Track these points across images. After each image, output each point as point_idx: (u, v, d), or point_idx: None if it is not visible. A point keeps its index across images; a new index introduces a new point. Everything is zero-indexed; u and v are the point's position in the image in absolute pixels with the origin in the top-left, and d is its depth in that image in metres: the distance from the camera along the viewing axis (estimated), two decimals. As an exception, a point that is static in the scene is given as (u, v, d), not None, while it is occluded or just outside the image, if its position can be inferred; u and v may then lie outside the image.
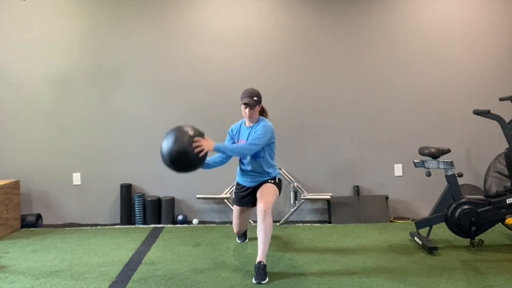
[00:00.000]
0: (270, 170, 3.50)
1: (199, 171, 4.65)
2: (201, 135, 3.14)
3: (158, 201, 4.68)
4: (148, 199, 4.67)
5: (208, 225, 4.57)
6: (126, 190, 4.69)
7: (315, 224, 4.52)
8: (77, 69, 4.75)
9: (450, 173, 3.65)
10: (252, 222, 4.27)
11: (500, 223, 3.70)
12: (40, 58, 4.73)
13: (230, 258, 3.51)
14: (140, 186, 4.79)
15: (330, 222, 4.58)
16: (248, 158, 3.45)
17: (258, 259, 3.08)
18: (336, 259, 3.41)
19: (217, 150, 3.20)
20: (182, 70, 4.76)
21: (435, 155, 3.64)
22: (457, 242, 3.71)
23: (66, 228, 4.53)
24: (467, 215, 3.55)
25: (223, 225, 4.53)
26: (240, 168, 3.60)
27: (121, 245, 3.90)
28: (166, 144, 3.08)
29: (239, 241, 3.93)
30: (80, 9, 4.73)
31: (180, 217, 4.68)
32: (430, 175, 3.65)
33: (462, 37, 4.71)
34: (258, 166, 3.46)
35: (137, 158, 4.78)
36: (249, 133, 3.43)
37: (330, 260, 3.39)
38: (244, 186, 3.61)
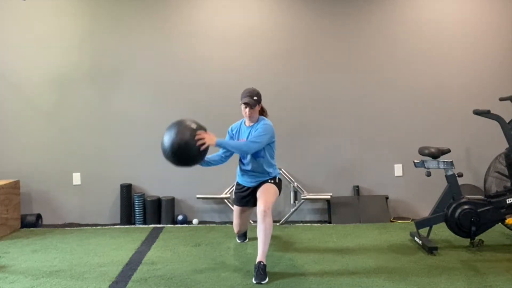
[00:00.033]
0: (270, 170, 3.50)
1: (199, 171, 4.68)
2: (203, 129, 3.15)
3: (158, 201, 4.68)
4: (148, 199, 4.67)
5: (208, 225, 4.57)
6: (126, 190, 4.69)
7: (315, 224, 4.52)
8: (77, 69, 4.75)
9: (450, 173, 3.65)
10: (252, 222, 4.27)
11: (500, 223, 3.70)
12: (40, 58, 4.73)
13: (230, 258, 3.51)
14: (140, 186, 4.79)
15: (330, 222, 4.58)
16: (249, 157, 3.45)
17: (258, 259, 3.08)
18: (336, 259, 3.41)
19: (218, 145, 3.20)
20: (182, 70, 4.76)
21: (435, 155, 3.64)
22: (457, 242, 3.71)
23: (66, 228, 4.53)
24: (467, 215, 3.55)
25: (223, 225, 4.53)
26: (240, 168, 3.60)
27: (121, 245, 3.90)
28: (169, 135, 3.07)
29: (239, 241, 3.93)
30: (80, 9, 4.73)
31: (180, 217, 4.68)
32: (430, 175, 3.65)
33: (462, 37, 4.71)
34: (259, 166, 3.46)
35: (137, 158, 4.78)
36: (249, 133, 3.43)
37: (330, 260, 3.39)
38: (244, 186, 3.61)
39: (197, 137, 3.06)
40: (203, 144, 3.07)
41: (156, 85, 4.77)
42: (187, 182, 4.76)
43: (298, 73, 4.75)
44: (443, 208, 3.63)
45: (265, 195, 3.29)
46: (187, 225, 4.59)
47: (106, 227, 4.57)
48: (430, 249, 3.47)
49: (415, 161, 3.75)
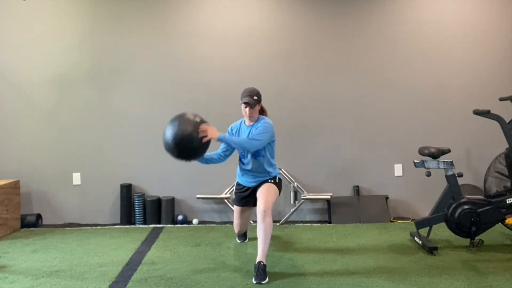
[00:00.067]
0: (270, 170, 3.50)
1: (199, 171, 4.69)
2: (206, 123, 3.16)
3: (158, 201, 4.68)
4: (148, 199, 4.67)
5: (208, 225, 4.57)
6: (126, 190, 4.69)
7: (315, 224, 4.52)
8: (77, 69, 4.75)
9: (450, 173, 3.65)
10: (252, 222, 4.27)
11: (500, 223, 3.70)
12: (40, 58, 4.73)
13: (230, 258, 3.51)
14: (140, 186, 4.79)
15: (330, 222, 4.58)
16: (249, 156, 3.45)
17: (258, 259, 3.08)
18: (336, 259, 3.41)
19: (220, 140, 3.20)
20: (182, 70, 4.76)
21: (435, 155, 3.64)
22: (457, 242, 3.71)
23: (66, 228, 4.53)
24: (467, 215, 3.55)
25: (223, 225, 4.53)
26: (240, 168, 3.60)
27: (121, 245, 3.90)
28: (172, 127, 3.07)
29: (239, 241, 3.93)
30: (80, 9, 4.73)
31: (180, 217, 4.68)
32: (430, 175, 3.65)
33: (462, 37, 4.71)
34: (259, 165, 3.46)
35: (137, 158, 4.78)
36: (249, 132, 3.43)
37: (330, 260, 3.39)
38: (244, 186, 3.61)
39: (200, 129, 3.06)
40: (206, 136, 3.07)
41: (156, 85, 4.77)
42: (187, 182, 4.76)
43: (298, 73, 4.75)
44: (443, 208, 3.63)
45: (265, 195, 3.29)
46: (187, 225, 4.59)
47: (106, 227, 4.57)
48: (430, 249, 3.47)
49: (415, 161, 3.75)
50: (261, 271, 3.02)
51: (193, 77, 4.76)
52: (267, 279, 3.02)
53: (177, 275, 3.17)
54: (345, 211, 4.58)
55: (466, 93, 4.71)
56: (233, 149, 3.58)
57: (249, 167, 3.49)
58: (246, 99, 3.36)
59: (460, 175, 3.67)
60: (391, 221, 4.52)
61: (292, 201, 4.66)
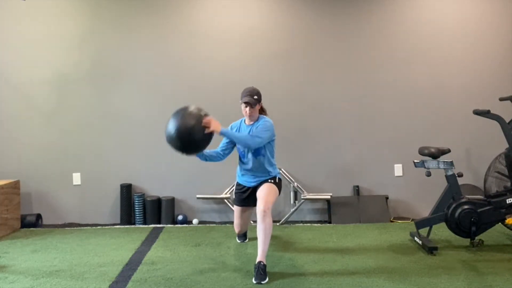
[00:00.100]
0: (270, 169, 3.50)
1: (199, 171, 4.70)
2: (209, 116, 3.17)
3: (158, 201, 4.68)
4: (148, 199, 4.67)
5: (208, 225, 4.57)
6: (126, 190, 4.69)
7: (315, 224, 4.52)
8: (77, 69, 4.75)
9: (450, 173, 3.65)
10: (252, 222, 4.27)
11: (500, 223, 3.70)
12: (40, 58, 4.73)
13: (230, 258, 3.51)
14: (140, 186, 4.80)
15: (330, 222, 4.58)
16: (249, 156, 3.46)
17: (258, 259, 3.08)
18: (336, 259, 3.41)
19: (223, 133, 3.20)
20: (182, 70, 4.76)
21: (435, 155, 3.64)
22: (457, 242, 3.71)
23: (66, 228, 4.53)
24: (467, 215, 3.55)
25: (223, 225, 4.53)
26: (241, 167, 3.60)
27: (121, 245, 3.90)
28: (175, 119, 3.07)
29: (239, 241, 3.93)
30: (80, 9, 4.73)
31: (180, 217, 4.68)
32: (430, 175, 3.65)
33: (462, 37, 4.71)
34: (259, 164, 3.46)
35: (137, 158, 4.78)
36: (249, 131, 3.44)
37: (330, 260, 3.39)
38: (244, 186, 3.61)
39: (204, 121, 3.06)
40: (209, 128, 3.06)
41: (156, 85, 4.77)
42: (187, 182, 4.76)
43: (298, 73, 4.75)
44: (443, 208, 3.63)
45: (265, 195, 3.29)
46: (187, 225, 4.59)
47: (106, 227, 4.57)
48: (430, 249, 3.47)
49: (415, 161, 3.75)
50: (261, 271, 3.02)
51: (193, 77, 4.76)
52: (267, 279, 3.02)
53: (177, 275, 3.17)
54: (345, 211, 4.58)
55: (466, 93, 4.71)
56: (232, 148, 3.58)
57: (249, 166, 3.49)
58: (247, 99, 3.36)
59: (460, 175, 3.67)
60: (391, 221, 4.52)
61: (292, 201, 4.66)
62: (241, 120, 3.58)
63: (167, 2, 4.73)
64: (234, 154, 3.63)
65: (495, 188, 3.93)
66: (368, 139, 4.75)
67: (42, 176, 4.76)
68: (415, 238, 3.73)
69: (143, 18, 4.73)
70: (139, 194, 4.69)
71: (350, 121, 4.75)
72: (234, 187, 3.80)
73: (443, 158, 3.68)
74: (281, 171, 4.56)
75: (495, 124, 3.71)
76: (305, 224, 4.53)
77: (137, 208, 4.67)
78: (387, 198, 4.66)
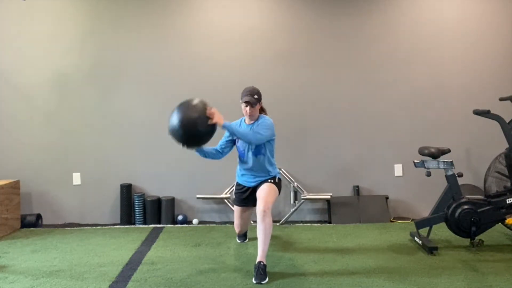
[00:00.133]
0: (270, 169, 3.50)
1: (199, 171, 4.70)
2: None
3: (158, 201, 4.68)
4: (148, 199, 4.67)
5: (208, 225, 4.57)
6: (126, 190, 4.69)
7: (315, 224, 4.52)
8: (77, 69, 4.75)
9: (450, 173, 3.65)
10: (252, 222, 4.27)
11: (500, 223, 3.70)
12: (40, 58, 4.73)
13: (230, 258, 3.51)
14: (140, 186, 4.80)
15: (330, 222, 4.58)
16: (249, 154, 3.45)
17: (258, 259, 3.08)
18: (336, 259, 3.41)
19: (225, 127, 3.18)
20: (182, 70, 4.76)
21: (435, 155, 3.64)
22: (457, 242, 3.71)
23: (66, 228, 4.53)
24: (467, 215, 3.55)
25: (223, 225, 4.53)
26: (240, 167, 3.60)
27: (121, 245, 3.90)
28: (179, 111, 3.08)
29: (239, 241, 3.93)
30: (80, 9, 4.73)
31: (180, 217, 4.68)
32: (430, 175, 3.65)
33: (462, 37, 4.71)
34: (259, 163, 3.46)
35: (137, 158, 4.78)
36: (250, 129, 3.44)
37: (330, 260, 3.39)
38: (244, 186, 3.61)
39: (208, 111, 3.07)
40: (212, 119, 3.07)
41: (156, 85, 4.77)
42: (187, 182, 4.76)
43: (298, 73, 4.75)
44: (443, 208, 3.63)
45: (265, 195, 3.29)
46: (187, 225, 4.59)
47: (106, 227, 4.57)
48: (430, 249, 3.47)
49: (415, 161, 3.75)
50: (261, 271, 3.02)
51: (193, 77, 4.76)
52: (267, 279, 3.02)
53: (177, 275, 3.17)
54: (345, 211, 4.58)
55: (466, 93, 4.71)
56: (231, 147, 3.58)
57: (249, 165, 3.48)
58: (247, 98, 3.36)
59: (460, 175, 3.67)
60: (391, 221, 4.52)
61: (292, 201, 4.66)
62: (241, 120, 3.58)
63: (167, 2, 4.73)
64: (234, 154, 3.63)
65: (495, 188, 3.93)
66: (368, 139, 4.75)
67: (42, 176, 4.76)
68: (415, 238, 3.73)
69: (143, 18, 4.73)
70: (139, 194, 4.69)
71: (350, 121, 4.76)
72: (234, 187, 3.80)
73: (443, 158, 3.68)
74: (281, 171, 4.56)
75: (495, 124, 3.71)
76: (305, 224, 4.53)
77: (137, 208, 4.67)
78: (387, 198, 4.66)
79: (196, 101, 3.13)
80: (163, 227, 4.48)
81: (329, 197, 4.57)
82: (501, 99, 3.87)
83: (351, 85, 4.74)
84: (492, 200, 3.61)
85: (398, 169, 4.75)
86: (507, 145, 3.71)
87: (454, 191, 3.64)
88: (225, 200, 4.69)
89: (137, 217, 4.67)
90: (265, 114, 3.59)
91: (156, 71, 4.76)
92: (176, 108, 3.13)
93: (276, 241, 3.88)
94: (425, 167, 3.69)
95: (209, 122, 3.07)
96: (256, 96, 3.39)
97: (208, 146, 3.40)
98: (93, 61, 4.75)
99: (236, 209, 3.75)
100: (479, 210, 3.56)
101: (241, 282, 3.01)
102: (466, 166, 4.68)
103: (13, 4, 4.70)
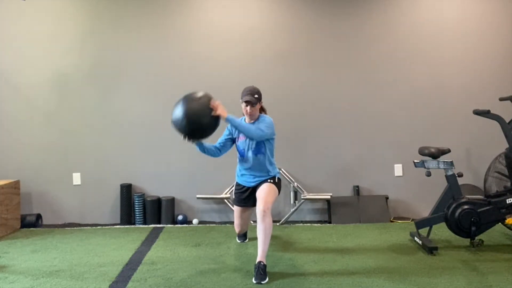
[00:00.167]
0: (270, 168, 3.50)
1: (199, 171, 4.70)
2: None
3: (158, 201, 4.68)
4: (148, 199, 4.67)
5: (208, 225, 4.57)
6: (126, 190, 4.69)
7: (315, 224, 4.52)
8: (77, 69, 4.75)
9: (450, 173, 3.65)
10: (252, 222, 4.27)
11: (500, 223, 3.70)
12: (40, 58, 4.73)
13: (230, 258, 3.51)
14: (140, 186, 4.80)
15: (330, 222, 4.58)
16: (250, 153, 3.45)
17: (258, 259, 3.08)
18: (336, 259, 3.41)
19: (228, 119, 3.18)
20: (182, 70, 4.76)
21: (435, 155, 3.64)
22: (457, 242, 3.71)
23: (66, 228, 4.53)
24: (467, 215, 3.55)
25: (223, 225, 4.53)
26: (240, 167, 3.60)
27: (121, 245, 3.90)
28: (183, 103, 3.09)
29: (239, 241, 3.93)
30: (80, 9, 4.73)
31: (180, 217, 4.68)
32: (430, 175, 3.65)
33: (462, 37, 4.71)
34: (259, 163, 3.46)
35: (137, 158, 4.78)
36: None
37: (330, 260, 3.39)
38: (244, 186, 3.61)
39: (212, 103, 3.09)
40: (216, 111, 3.08)
41: (156, 85, 4.77)
42: (187, 182, 4.76)
43: (298, 73, 4.75)
44: (443, 208, 3.63)
45: (265, 195, 3.29)
46: (187, 225, 4.59)
47: (106, 227, 4.57)
48: (430, 249, 3.47)
49: (415, 161, 3.75)
50: (261, 271, 3.02)
51: (193, 77, 4.76)
52: (267, 279, 3.02)
53: (177, 275, 3.17)
54: (345, 211, 4.58)
55: (466, 93, 4.71)
56: (230, 146, 3.58)
57: (249, 164, 3.48)
58: (248, 98, 3.37)
59: (460, 175, 3.67)
60: (391, 221, 4.52)
61: (292, 201, 4.66)
62: (241, 119, 3.58)
63: (167, 2, 4.73)
64: (234, 154, 3.63)
65: (495, 188, 3.93)
66: (368, 139, 4.75)
67: (42, 176, 4.76)
68: (415, 238, 3.73)
69: (143, 18, 4.73)
70: (139, 194, 4.69)
71: (350, 121, 4.75)
72: (233, 187, 3.80)
73: (443, 158, 3.68)
74: (281, 171, 4.56)
75: (495, 124, 3.71)
76: (305, 224, 4.53)
77: (137, 208, 4.67)
78: (387, 198, 4.66)
79: (200, 94, 3.15)
80: (163, 227, 4.48)
81: (329, 197, 4.57)
82: (501, 99, 3.87)
83: (351, 85, 4.74)
84: (492, 200, 3.61)
85: (398, 169, 4.75)
86: (507, 145, 3.71)
87: (454, 191, 3.64)
88: (225, 200, 4.69)
89: (137, 217, 4.67)
90: (265, 113, 3.59)
91: (156, 71, 4.76)
92: (180, 99, 3.14)
93: (276, 241, 3.88)
94: (425, 167, 3.69)
95: (213, 113, 3.08)
96: (256, 96, 3.39)
97: (208, 143, 3.40)
98: (93, 61, 4.75)
99: (236, 209, 3.75)
100: (479, 210, 3.56)
101: (241, 282, 3.01)
102: (466, 166, 4.68)
103: (13, 4, 4.70)
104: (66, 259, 3.55)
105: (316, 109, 4.75)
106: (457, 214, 3.57)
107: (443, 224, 3.66)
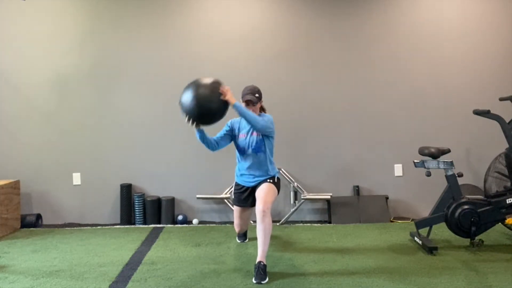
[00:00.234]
0: (269, 168, 3.50)
1: (199, 171, 4.70)
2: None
3: (158, 201, 4.68)
4: (148, 199, 4.67)
5: (208, 225, 4.57)
6: (126, 190, 4.69)
7: (315, 224, 4.52)
8: (77, 69, 4.75)
9: (450, 173, 3.65)
10: (252, 222, 4.27)
11: (500, 223, 3.70)
12: (40, 58, 4.73)
13: (230, 258, 3.51)
14: (140, 186, 4.80)
15: (330, 222, 4.58)
16: (250, 151, 3.45)
17: (258, 259, 3.08)
18: (336, 259, 3.41)
19: (236, 106, 3.18)
20: (182, 70, 4.75)
21: (435, 155, 3.64)
22: (457, 242, 3.71)
23: (66, 228, 4.53)
24: (467, 215, 3.55)
25: (223, 225, 4.53)
26: (239, 167, 3.60)
27: (121, 245, 3.90)
28: (193, 85, 3.13)
29: (239, 241, 3.93)
30: (80, 9, 4.73)
31: (180, 217, 4.68)
32: (430, 175, 3.64)
33: (462, 37, 4.71)
34: (259, 161, 3.46)
35: (137, 158, 4.78)
36: (249, 128, 3.44)
37: (330, 260, 3.39)
38: (243, 186, 3.61)
39: (222, 88, 3.12)
40: (225, 96, 3.11)
41: (156, 85, 4.77)
42: (187, 182, 4.76)
43: (298, 73, 4.75)
44: (443, 208, 3.63)
45: (264, 195, 3.28)
46: (187, 225, 4.59)
47: (106, 227, 4.57)
48: (430, 249, 3.47)
49: (415, 161, 3.75)
50: (261, 271, 3.02)
51: (193, 77, 4.71)
52: (267, 279, 3.02)
53: (177, 275, 3.17)
54: (345, 211, 4.58)
55: (466, 93, 4.71)
56: (227, 141, 3.55)
57: (249, 163, 3.48)
58: (248, 97, 3.38)
59: (460, 175, 3.67)
60: (391, 221, 4.52)
61: (292, 201, 4.66)
62: (241, 118, 3.58)
63: (167, 2, 4.73)
64: (233, 154, 3.63)
65: (495, 188, 3.93)
66: (368, 139, 4.75)
67: (42, 176, 4.76)
68: (415, 238, 3.73)
69: (143, 18, 4.73)
70: (139, 194, 4.69)
71: (350, 121, 4.75)
72: (233, 188, 3.80)
73: (443, 158, 3.68)
74: (281, 171, 4.56)
75: (495, 124, 3.72)
76: (305, 224, 4.53)
77: (137, 208, 4.67)
78: (387, 198, 4.66)
79: (210, 79, 3.19)
80: (163, 227, 4.48)
81: (329, 197, 4.57)
82: (501, 99, 3.87)
83: (351, 85, 4.74)
84: (492, 200, 3.61)
85: (398, 169, 4.75)
86: (507, 145, 3.71)
87: (454, 191, 3.64)
88: (225, 200, 4.69)
89: (137, 217, 4.67)
90: (265, 113, 3.59)
91: (156, 71, 4.76)
92: (190, 83, 3.17)
93: (276, 241, 3.88)
94: (425, 167, 3.69)
95: (222, 97, 3.10)
96: (257, 95, 3.41)
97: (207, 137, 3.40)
98: (93, 61, 4.75)
99: (235, 209, 3.74)
100: (479, 210, 3.56)
101: (241, 282, 3.01)
102: (466, 166, 4.68)
103: (13, 4, 4.70)
104: (66, 259, 3.55)
105: (316, 109, 4.75)
106: (457, 214, 3.57)
107: (443, 224, 3.66)
